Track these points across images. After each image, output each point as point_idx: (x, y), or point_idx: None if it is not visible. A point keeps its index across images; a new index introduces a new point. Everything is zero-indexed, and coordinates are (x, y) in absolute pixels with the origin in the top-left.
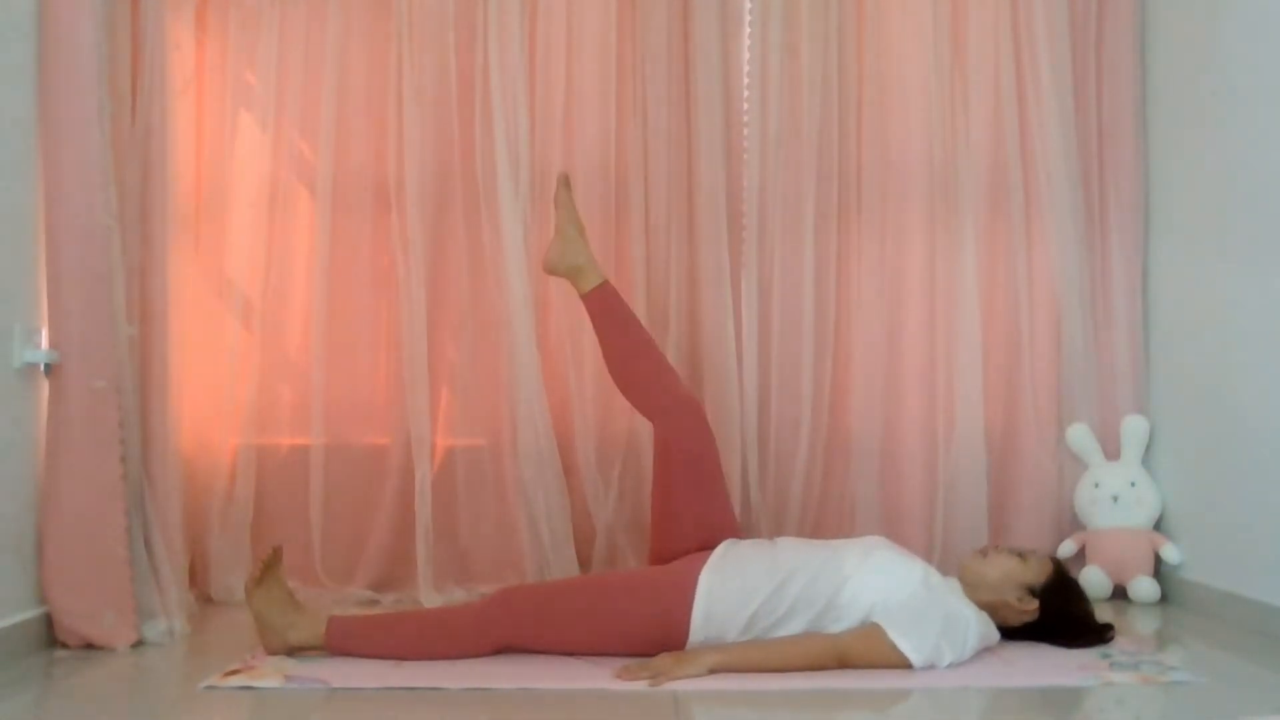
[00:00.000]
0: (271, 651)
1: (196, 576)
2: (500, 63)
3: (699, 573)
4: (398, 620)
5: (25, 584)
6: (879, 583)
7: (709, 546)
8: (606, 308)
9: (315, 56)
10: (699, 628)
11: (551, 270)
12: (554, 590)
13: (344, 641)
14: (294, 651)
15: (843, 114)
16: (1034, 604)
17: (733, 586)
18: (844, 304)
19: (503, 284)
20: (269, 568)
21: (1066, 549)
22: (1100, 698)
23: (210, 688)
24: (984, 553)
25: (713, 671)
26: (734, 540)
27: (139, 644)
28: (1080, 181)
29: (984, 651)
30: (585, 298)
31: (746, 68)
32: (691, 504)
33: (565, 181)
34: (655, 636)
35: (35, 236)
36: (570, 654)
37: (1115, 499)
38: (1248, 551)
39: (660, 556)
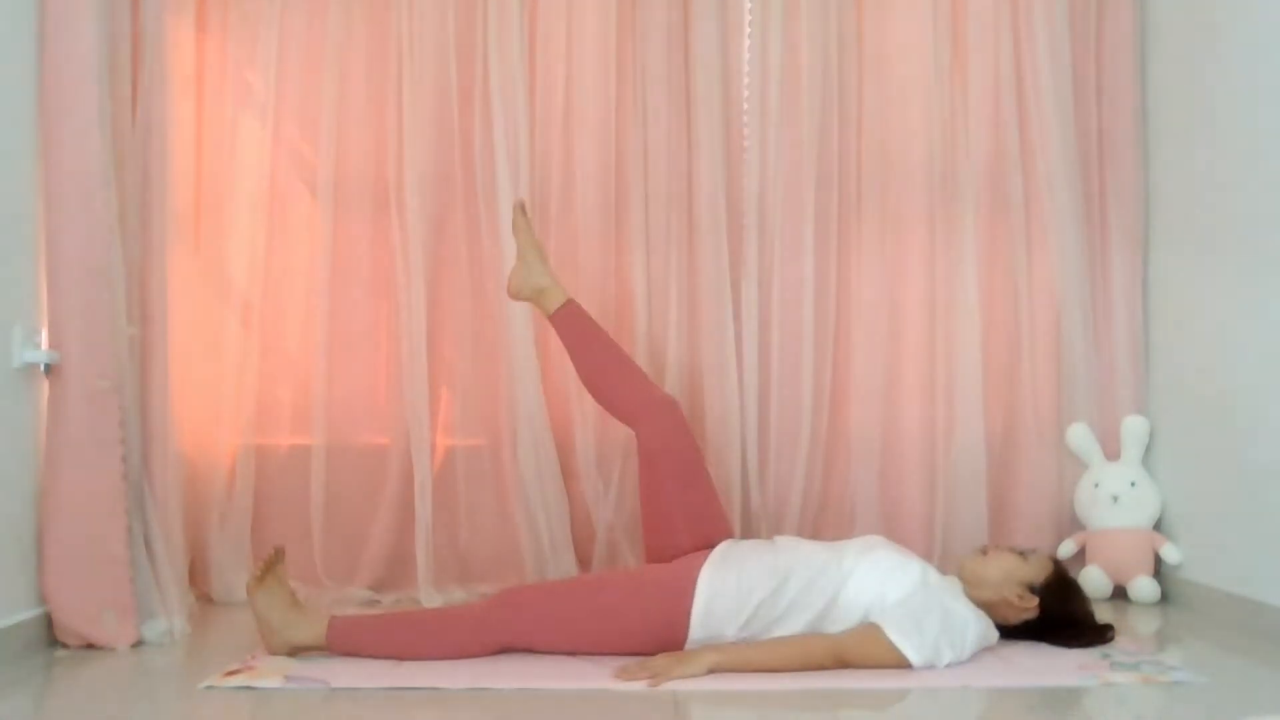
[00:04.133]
0: (273, 651)
1: (196, 576)
2: (500, 63)
3: (700, 569)
4: (399, 620)
5: (25, 584)
6: (877, 581)
7: (704, 545)
8: (572, 325)
9: (315, 56)
10: (699, 624)
11: (516, 295)
12: (555, 588)
13: (345, 641)
14: (296, 651)
15: (843, 115)
16: (1034, 601)
17: (732, 583)
18: (844, 305)
19: (502, 284)
20: (270, 567)
21: (1066, 549)
22: (1100, 698)
23: (210, 688)
24: (984, 551)
25: (712, 671)
26: (734, 540)
27: (139, 644)
28: (1080, 182)
29: (984, 651)
30: (551, 318)
31: (746, 68)
32: (680, 501)
33: (521, 208)
34: (656, 632)
35: (35, 236)
36: (571, 653)
37: (1115, 499)
38: (1248, 551)
39: (655, 557)
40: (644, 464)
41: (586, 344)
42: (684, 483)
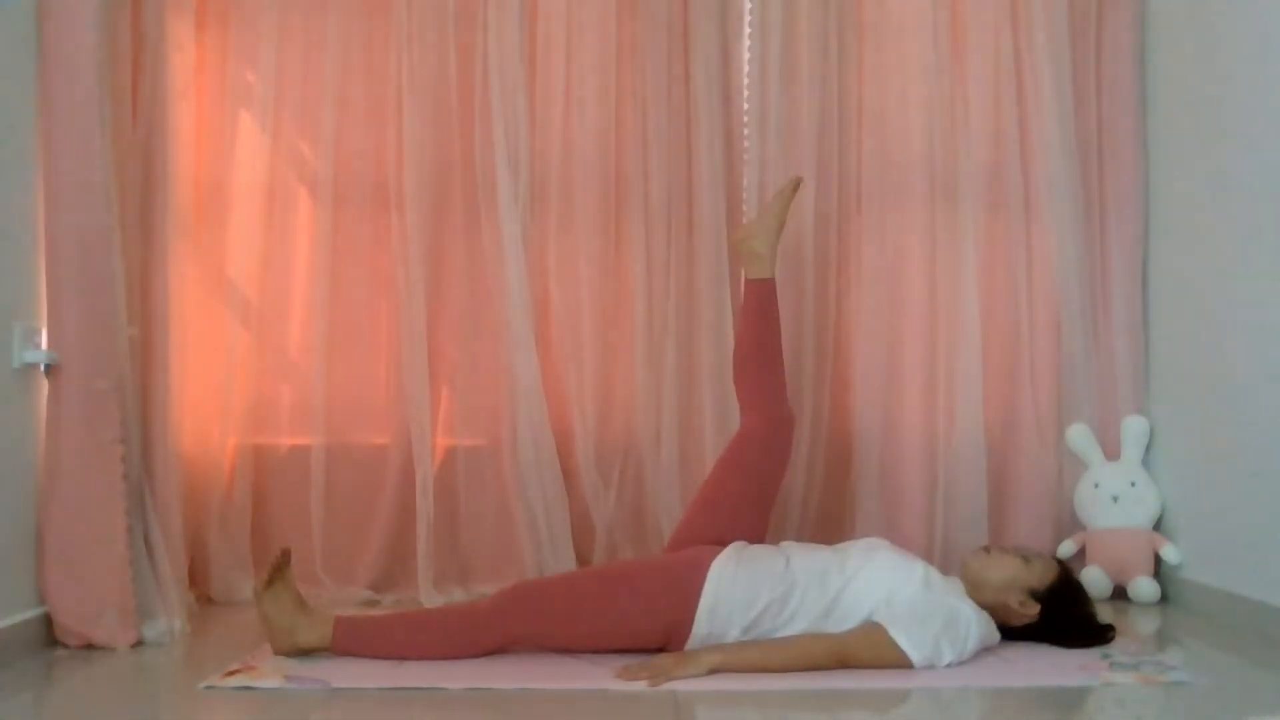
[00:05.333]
0: (279, 653)
1: (196, 576)
2: (500, 63)
3: (709, 564)
4: (405, 620)
5: (25, 584)
6: (880, 584)
7: (725, 544)
8: (760, 301)
9: (315, 56)
10: (704, 620)
11: (736, 243)
12: (563, 579)
13: (352, 642)
14: (302, 653)
15: (843, 114)
16: (1035, 608)
17: (741, 584)
18: (844, 303)
19: (502, 284)
20: (278, 570)
21: (1066, 549)
22: (1100, 698)
23: (210, 688)
24: (987, 551)
25: (713, 671)
26: (744, 543)
27: (139, 644)
28: (1080, 181)
29: (984, 651)
30: (748, 282)
31: (746, 68)
32: (741, 491)
33: (796, 184)
34: (661, 624)
35: (35, 237)
36: (577, 647)
37: (1115, 499)
38: (1248, 551)
39: (683, 537)
40: (734, 449)
41: (759, 321)
42: (757, 479)
